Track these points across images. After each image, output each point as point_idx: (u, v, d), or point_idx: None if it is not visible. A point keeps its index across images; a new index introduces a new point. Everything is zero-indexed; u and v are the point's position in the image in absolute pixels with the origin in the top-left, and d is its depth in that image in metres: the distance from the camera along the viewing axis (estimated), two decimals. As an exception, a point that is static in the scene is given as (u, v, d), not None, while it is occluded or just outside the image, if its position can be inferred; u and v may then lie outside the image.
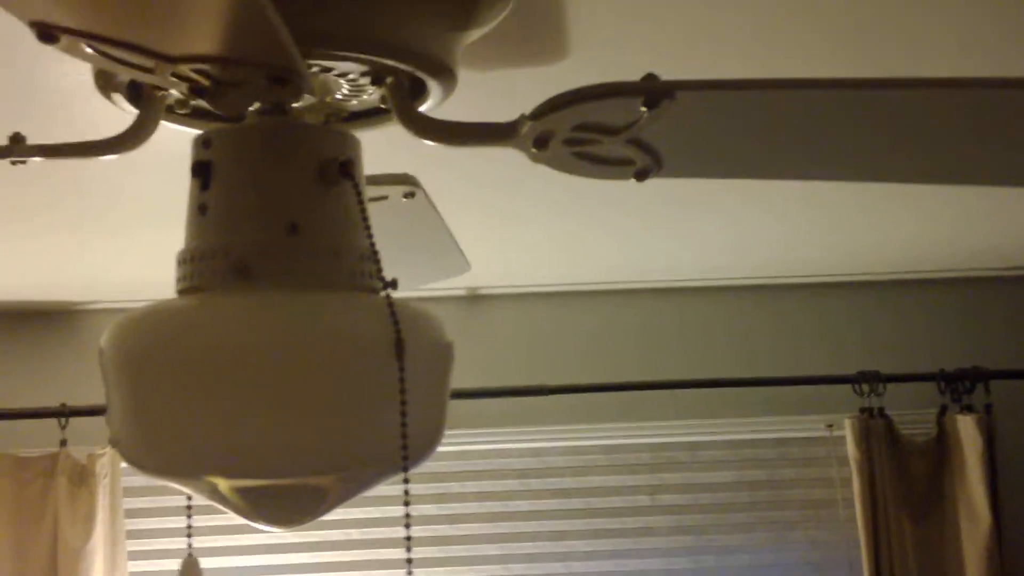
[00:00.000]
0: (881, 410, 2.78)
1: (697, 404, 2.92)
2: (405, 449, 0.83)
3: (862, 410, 2.79)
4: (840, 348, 2.99)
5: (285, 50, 0.72)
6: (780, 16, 1.19)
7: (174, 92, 0.89)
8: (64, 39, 0.73)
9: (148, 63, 0.76)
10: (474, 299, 3.02)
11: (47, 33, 0.71)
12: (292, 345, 0.82)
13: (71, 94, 1.37)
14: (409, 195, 1.25)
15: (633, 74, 1.31)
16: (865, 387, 2.78)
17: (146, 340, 0.86)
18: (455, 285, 2.89)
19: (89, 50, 0.75)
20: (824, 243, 2.55)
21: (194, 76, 0.79)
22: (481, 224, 2.16)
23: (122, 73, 0.82)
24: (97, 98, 1.35)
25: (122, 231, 2.12)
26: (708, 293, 3.02)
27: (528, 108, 1.33)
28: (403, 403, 0.83)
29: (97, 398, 2.72)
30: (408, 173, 1.25)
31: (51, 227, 2.06)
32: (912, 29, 1.23)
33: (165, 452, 0.88)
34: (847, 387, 2.79)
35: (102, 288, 2.80)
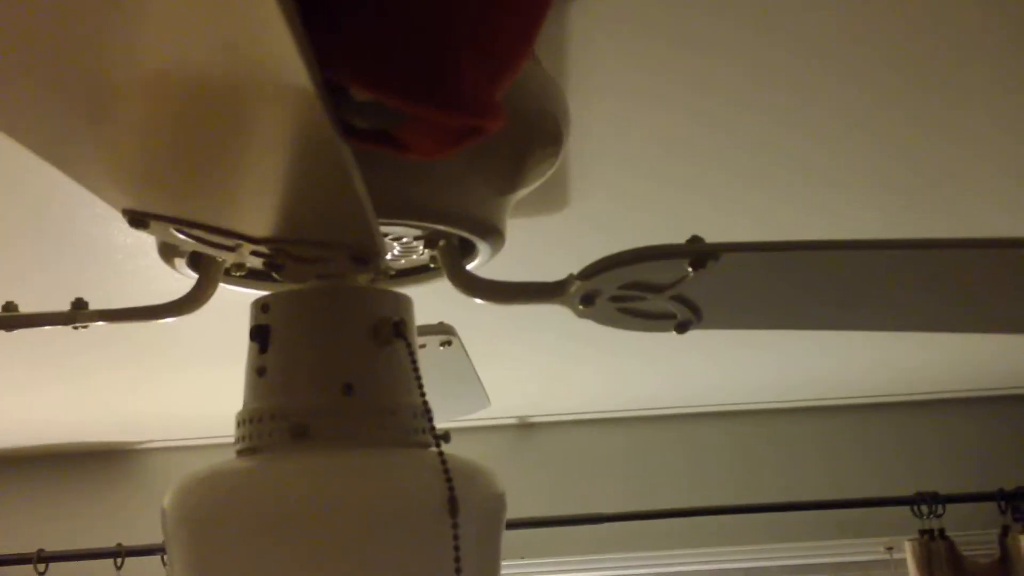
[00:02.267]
0: (942, 531, 2.73)
1: (751, 529, 2.88)
2: (461, 607, 0.84)
3: (922, 532, 2.74)
4: (893, 469, 2.95)
5: (371, 234, 0.75)
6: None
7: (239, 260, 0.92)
8: (153, 224, 0.76)
9: (232, 243, 0.79)
10: (523, 427, 3.03)
11: (138, 219, 0.74)
12: (347, 506, 0.84)
13: (129, 250, 1.42)
14: (446, 343, 1.30)
15: (630, 226, 1.38)
16: (924, 508, 2.73)
17: (206, 502, 0.87)
18: (506, 415, 2.91)
19: (174, 231, 0.78)
20: (868, 364, 2.54)
21: (274, 252, 0.82)
22: (528, 358, 2.19)
23: (202, 250, 0.85)
24: (153, 254, 1.41)
25: (175, 371, 2.16)
26: (756, 416, 3.01)
27: (527, 259, 1.39)
28: (457, 559, 0.84)
29: (152, 538, 2.76)
30: (446, 323, 1.30)
31: (101, 368, 2.10)
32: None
33: (224, 611, 0.89)
34: (905, 509, 2.75)
35: (154, 428, 2.84)
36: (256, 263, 0.87)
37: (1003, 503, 2.77)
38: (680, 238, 0.82)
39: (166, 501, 0.90)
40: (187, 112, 0.60)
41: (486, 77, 0.68)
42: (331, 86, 0.65)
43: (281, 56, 0.51)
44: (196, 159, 0.66)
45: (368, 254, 0.81)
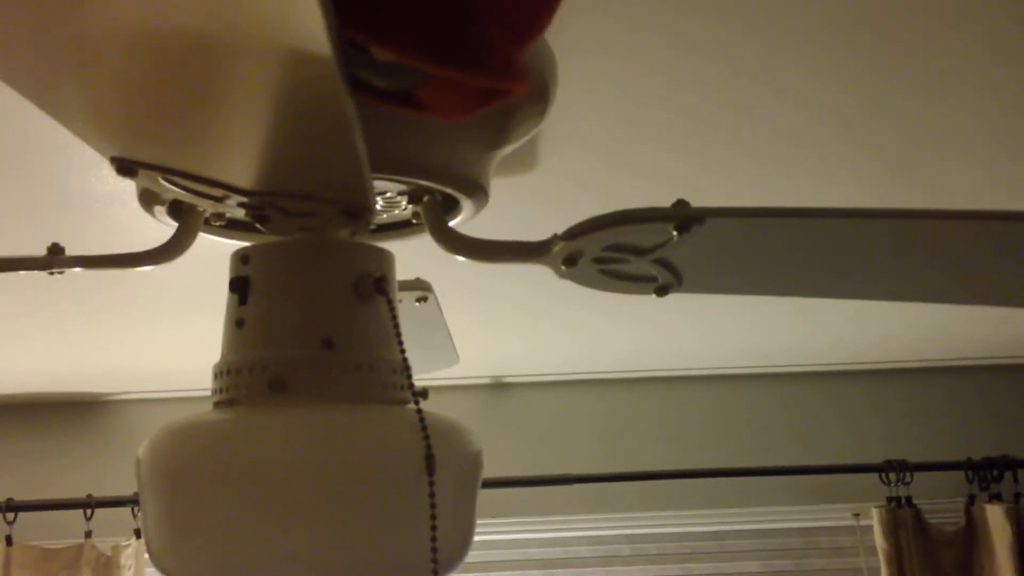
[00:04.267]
0: (909, 499, 2.76)
1: (722, 493, 2.91)
2: (435, 563, 0.84)
3: (889, 499, 2.77)
4: (864, 437, 2.98)
5: (365, 191, 0.74)
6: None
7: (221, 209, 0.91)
8: (142, 173, 0.75)
9: (220, 193, 0.78)
10: (498, 387, 3.03)
11: (126, 167, 0.73)
12: (325, 461, 0.83)
13: (107, 199, 1.41)
14: (422, 299, 1.30)
15: (600, 185, 1.38)
16: (892, 476, 2.77)
17: (182, 454, 0.87)
18: (481, 374, 2.91)
19: (162, 180, 0.77)
20: (844, 332, 2.56)
21: (262, 204, 0.81)
22: (505, 315, 2.19)
23: (187, 199, 0.84)
24: (132, 203, 1.39)
25: (148, 322, 2.15)
26: (731, 381, 3.03)
27: (509, 216, 1.38)
28: (433, 516, 0.84)
29: (122, 489, 2.76)
30: (422, 279, 1.30)
31: (77, 318, 2.09)
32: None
33: (197, 563, 0.89)
34: (873, 476, 2.78)
35: (127, 379, 2.82)
36: (239, 213, 0.86)
37: (970, 472, 2.80)
38: (659, 197, 0.82)
39: (141, 451, 0.90)
40: (184, 59, 0.58)
41: (510, 38, 0.68)
42: (352, 45, 0.64)
43: (301, 16, 0.50)
44: (191, 109, 0.65)
45: (360, 210, 0.80)
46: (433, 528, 0.84)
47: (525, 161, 1.31)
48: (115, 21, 0.55)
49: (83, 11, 0.54)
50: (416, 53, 0.64)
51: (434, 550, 0.84)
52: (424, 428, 0.85)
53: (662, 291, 0.91)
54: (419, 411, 0.86)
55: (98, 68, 0.61)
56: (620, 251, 0.84)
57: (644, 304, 2.15)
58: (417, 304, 1.29)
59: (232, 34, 0.54)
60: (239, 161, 0.74)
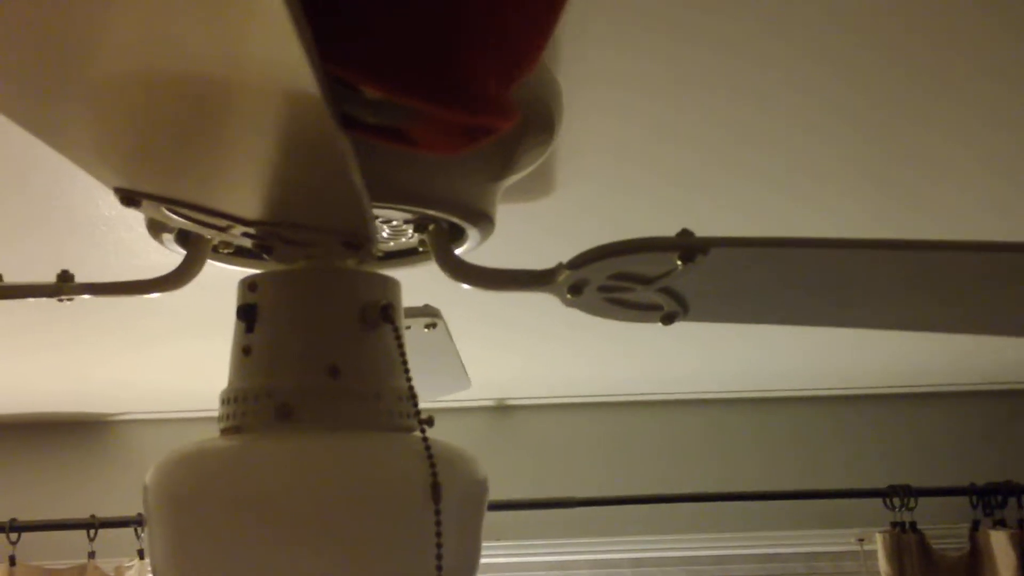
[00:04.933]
0: (913, 524, 2.76)
1: (725, 517, 2.90)
2: (441, 591, 0.84)
3: (893, 524, 2.76)
4: (868, 461, 2.98)
5: (365, 222, 0.75)
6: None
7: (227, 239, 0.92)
8: (146, 204, 0.75)
9: (223, 224, 0.79)
10: (502, 410, 3.03)
11: (130, 198, 0.74)
12: (331, 489, 0.84)
13: (113, 222, 1.41)
14: (431, 326, 1.30)
15: (617, 212, 1.39)
16: (896, 501, 2.76)
17: (189, 481, 0.87)
18: (484, 396, 2.91)
19: (166, 211, 0.78)
20: (848, 357, 2.56)
21: (265, 234, 0.82)
22: (509, 338, 2.19)
23: (190, 228, 0.85)
24: (138, 227, 1.40)
25: (151, 343, 2.15)
26: (735, 405, 3.03)
27: (517, 243, 1.39)
28: (439, 545, 0.84)
29: (126, 510, 2.75)
30: (431, 305, 1.30)
31: (81, 339, 2.09)
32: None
33: (204, 590, 0.89)
34: (877, 501, 2.77)
35: (131, 400, 2.83)
36: (245, 243, 0.87)
37: (974, 498, 2.80)
38: (668, 227, 0.83)
39: (148, 478, 0.90)
40: (183, 97, 0.59)
41: (498, 76, 0.68)
42: (341, 83, 0.65)
43: (285, 56, 0.51)
44: (191, 141, 0.66)
45: (360, 240, 0.81)
46: (439, 557, 0.84)
47: (533, 190, 1.31)
48: (113, 60, 0.56)
49: (82, 49, 0.55)
50: (403, 91, 0.65)
51: (439, 577, 0.84)
52: (430, 456, 0.85)
53: (668, 320, 0.91)
54: (425, 439, 0.87)
55: (101, 103, 0.62)
56: (625, 280, 0.84)
57: (648, 329, 2.15)
58: (426, 330, 1.30)
59: (221, 75, 0.55)
60: (240, 192, 0.75)
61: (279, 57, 0.51)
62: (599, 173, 1.30)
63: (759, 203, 1.39)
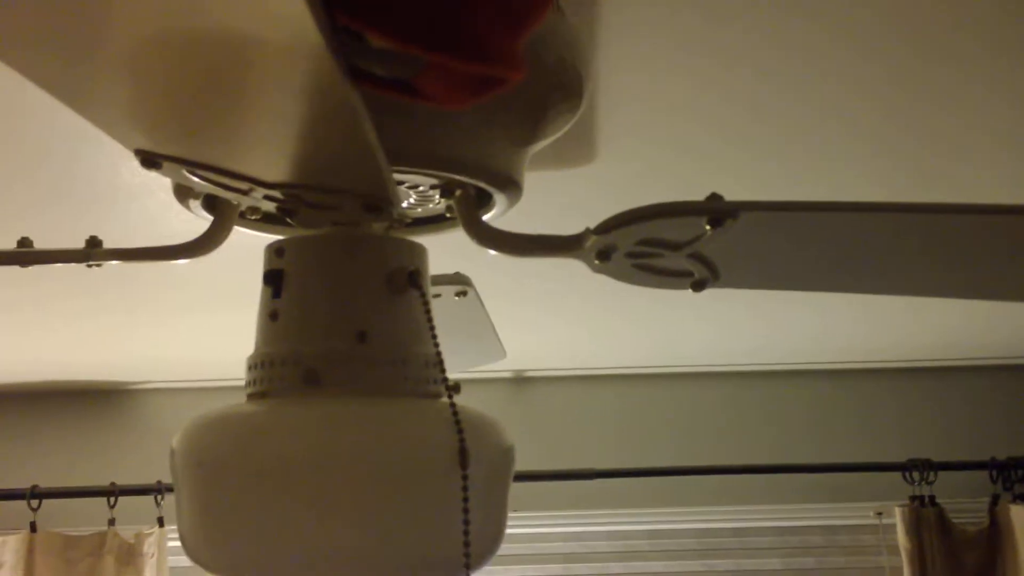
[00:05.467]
0: (932, 498, 2.75)
1: (743, 490, 2.90)
2: (468, 557, 0.84)
3: (912, 498, 2.76)
4: (885, 435, 2.97)
5: (384, 182, 0.74)
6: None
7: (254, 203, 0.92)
8: (166, 165, 0.75)
9: (244, 186, 0.78)
10: (519, 381, 3.04)
11: (150, 160, 0.74)
12: (358, 454, 0.84)
13: (136, 191, 1.41)
14: (461, 294, 1.29)
15: (658, 175, 1.38)
16: (915, 475, 2.76)
17: (216, 446, 0.87)
18: (502, 368, 2.91)
19: (187, 173, 0.77)
20: (863, 331, 2.55)
21: (287, 197, 0.81)
22: (528, 311, 2.19)
23: (214, 192, 0.85)
24: (161, 195, 1.40)
25: (174, 312, 2.16)
26: (753, 378, 3.02)
27: (558, 208, 1.38)
28: (466, 511, 0.84)
29: (146, 477, 2.77)
30: (461, 273, 1.29)
31: (104, 308, 2.10)
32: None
33: (229, 554, 0.89)
34: (896, 475, 2.77)
35: (152, 368, 2.84)
36: (270, 207, 0.87)
37: (994, 472, 2.79)
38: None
39: (175, 442, 0.91)
40: (197, 55, 0.59)
41: (505, 26, 0.68)
42: (348, 32, 0.64)
43: (288, 6, 0.50)
44: (207, 101, 0.65)
45: (380, 202, 0.80)
46: (466, 522, 0.84)
47: (566, 160, 1.31)
48: (130, 19, 0.55)
49: (103, 11, 0.54)
50: (410, 40, 0.64)
51: (466, 544, 0.84)
52: (458, 422, 0.85)
53: (698, 286, 0.90)
54: (452, 405, 0.87)
55: (119, 63, 0.62)
56: (654, 245, 0.84)
57: (664, 302, 2.15)
58: (456, 299, 1.29)
59: (232, 26, 0.55)
60: (259, 153, 0.75)
61: (282, 4, 0.51)
62: (626, 151, 1.29)
63: (778, 182, 1.38)
